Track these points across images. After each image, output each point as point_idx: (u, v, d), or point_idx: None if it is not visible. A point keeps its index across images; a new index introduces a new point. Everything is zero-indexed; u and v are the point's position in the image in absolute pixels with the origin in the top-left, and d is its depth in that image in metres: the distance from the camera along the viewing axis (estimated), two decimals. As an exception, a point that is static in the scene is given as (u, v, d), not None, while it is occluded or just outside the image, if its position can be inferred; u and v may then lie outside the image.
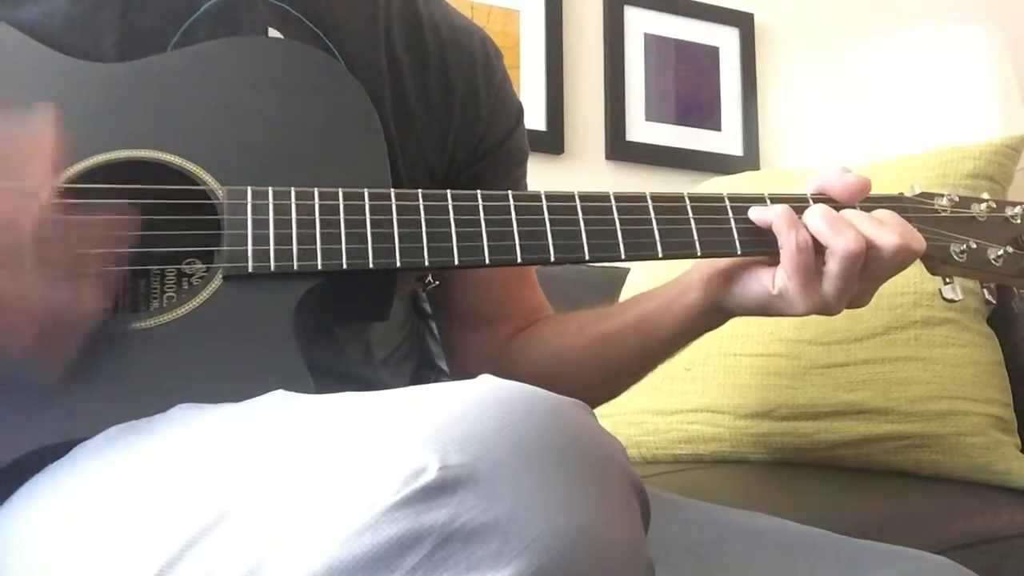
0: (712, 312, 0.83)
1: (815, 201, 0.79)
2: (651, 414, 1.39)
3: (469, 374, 0.96)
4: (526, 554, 0.39)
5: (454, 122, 0.88)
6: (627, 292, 1.54)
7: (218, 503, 0.46)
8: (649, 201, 0.75)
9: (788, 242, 0.74)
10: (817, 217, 0.75)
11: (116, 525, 0.51)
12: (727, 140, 2.24)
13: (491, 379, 0.47)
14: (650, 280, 1.36)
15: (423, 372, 1.69)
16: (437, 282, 0.83)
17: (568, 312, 0.96)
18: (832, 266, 0.74)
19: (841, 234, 0.73)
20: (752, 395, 1.31)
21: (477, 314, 0.94)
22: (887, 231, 0.74)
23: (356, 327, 0.84)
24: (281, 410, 0.53)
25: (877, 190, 0.82)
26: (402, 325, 1.66)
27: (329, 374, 0.72)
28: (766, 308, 0.79)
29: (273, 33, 0.76)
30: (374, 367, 0.87)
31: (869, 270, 0.75)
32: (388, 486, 0.40)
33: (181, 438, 0.55)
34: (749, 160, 2.23)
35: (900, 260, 0.75)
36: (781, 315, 0.79)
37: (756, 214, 0.77)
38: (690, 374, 1.37)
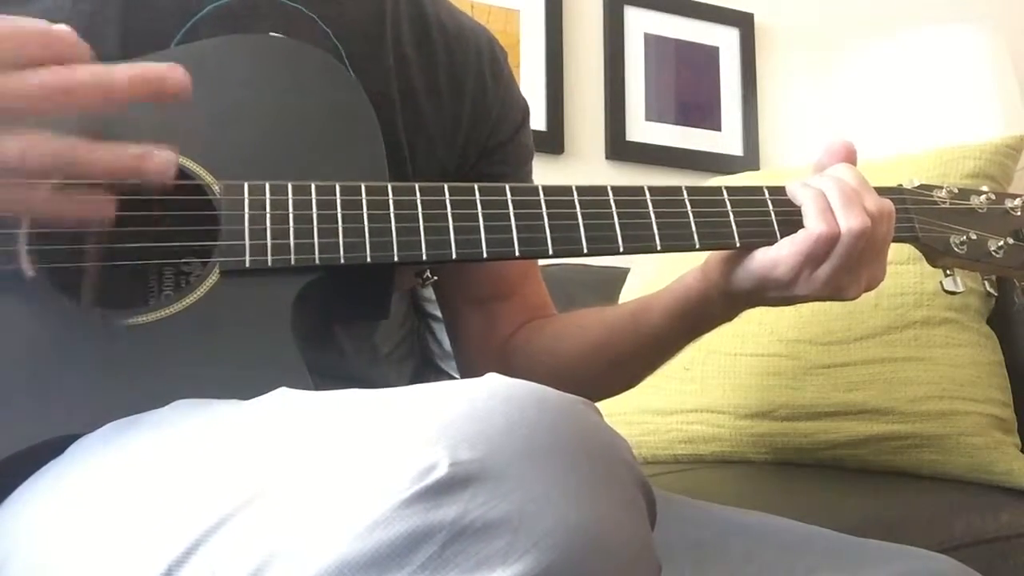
0: (709, 295, 0.82)
1: None
2: (651, 414, 1.39)
3: (474, 366, 0.96)
4: (535, 550, 0.39)
5: (464, 119, 0.88)
6: (627, 292, 1.54)
7: (226, 499, 0.46)
8: (647, 194, 0.75)
9: (816, 226, 0.74)
10: (835, 190, 0.76)
11: (121, 522, 0.50)
12: (727, 140, 2.24)
13: (499, 378, 0.47)
14: (650, 279, 1.36)
15: (423, 372, 1.69)
16: (435, 277, 0.82)
17: (570, 311, 0.96)
18: (840, 244, 0.74)
19: (852, 211, 0.74)
20: (752, 395, 1.31)
21: (482, 298, 0.94)
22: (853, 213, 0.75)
23: (360, 327, 0.84)
24: (289, 406, 0.53)
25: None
26: (402, 324, 1.66)
27: (330, 373, 0.72)
28: (763, 282, 0.78)
29: (279, 32, 0.76)
30: (378, 367, 0.87)
31: (863, 254, 0.75)
32: (399, 483, 0.40)
33: (185, 435, 0.55)
34: (749, 160, 2.23)
35: (861, 240, 0.75)
36: (774, 291, 0.78)
37: (792, 187, 0.78)
38: (689, 374, 1.36)
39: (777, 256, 0.76)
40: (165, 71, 0.58)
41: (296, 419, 0.51)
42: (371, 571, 0.39)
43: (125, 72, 0.58)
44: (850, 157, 0.81)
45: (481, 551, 0.39)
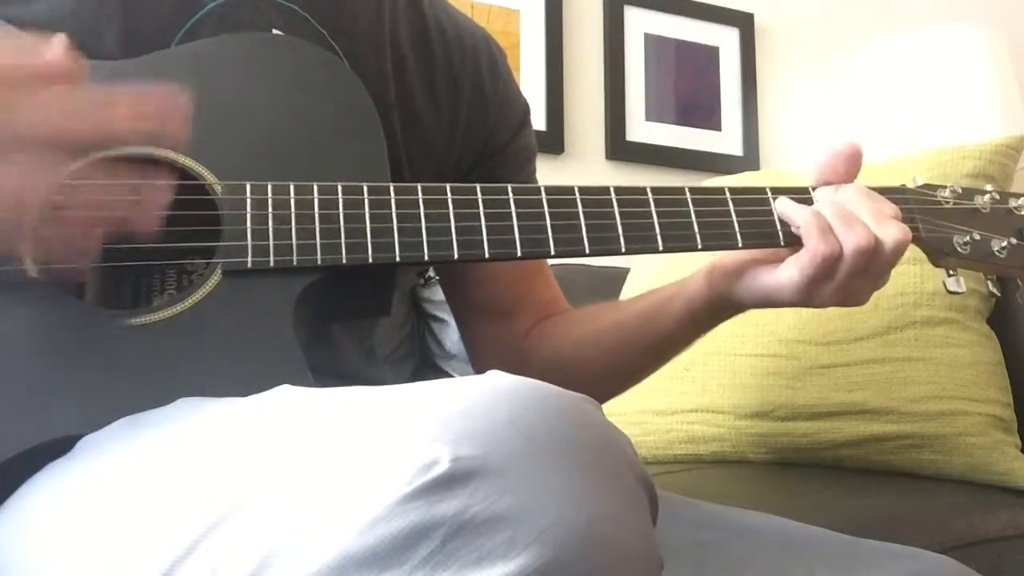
0: (715, 304, 0.83)
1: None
2: (651, 414, 1.39)
3: (488, 368, 0.97)
4: (536, 545, 0.39)
5: (461, 122, 0.88)
6: (627, 292, 1.54)
7: (228, 496, 0.46)
8: (650, 194, 0.75)
9: (818, 248, 0.74)
10: (830, 212, 0.76)
11: (124, 520, 0.50)
12: (727, 140, 2.24)
13: (500, 375, 0.47)
14: (649, 279, 1.36)
15: (423, 371, 1.69)
16: (437, 276, 0.83)
17: (578, 307, 0.96)
18: (843, 262, 0.75)
19: (852, 230, 0.74)
20: (752, 395, 1.31)
21: (492, 309, 0.95)
22: (890, 226, 0.75)
23: (360, 327, 0.84)
24: (290, 403, 0.53)
25: (877, 191, 0.82)
26: (402, 324, 1.66)
27: (331, 373, 0.72)
28: (769, 300, 0.80)
29: (277, 32, 0.76)
30: (376, 366, 0.87)
31: (871, 267, 0.76)
32: (400, 478, 0.40)
33: (188, 432, 0.55)
34: (749, 160, 2.24)
35: (899, 255, 0.76)
36: (781, 306, 0.80)
37: (787, 209, 0.77)
38: (689, 374, 1.37)
39: (781, 278, 0.77)
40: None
41: (297, 416, 0.51)
42: (372, 566, 0.39)
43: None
44: (855, 158, 0.81)
45: (482, 546, 0.39)
